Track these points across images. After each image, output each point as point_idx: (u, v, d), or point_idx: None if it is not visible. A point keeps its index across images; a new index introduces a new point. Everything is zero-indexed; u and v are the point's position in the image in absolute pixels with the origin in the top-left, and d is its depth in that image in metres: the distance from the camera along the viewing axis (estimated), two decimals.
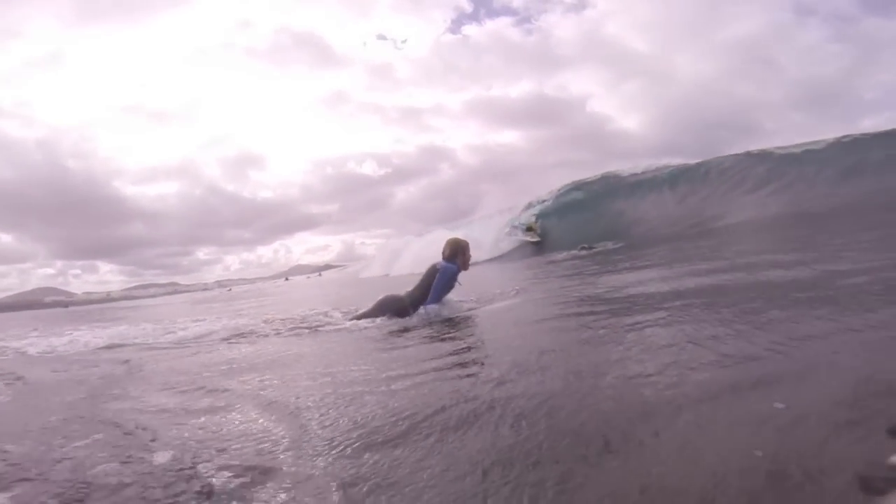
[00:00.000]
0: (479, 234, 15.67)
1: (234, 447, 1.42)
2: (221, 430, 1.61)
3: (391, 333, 3.43)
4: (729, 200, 15.07)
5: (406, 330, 3.49)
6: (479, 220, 21.85)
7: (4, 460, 1.40)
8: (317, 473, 1.19)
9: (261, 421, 1.67)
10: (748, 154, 17.07)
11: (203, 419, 1.75)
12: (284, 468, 1.24)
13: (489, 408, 1.48)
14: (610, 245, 13.71)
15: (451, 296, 4.29)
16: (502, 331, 3.27)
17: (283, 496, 1.09)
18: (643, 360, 1.80)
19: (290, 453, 1.34)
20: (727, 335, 1.98)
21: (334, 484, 1.12)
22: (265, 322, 5.02)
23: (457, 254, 4.32)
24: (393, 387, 1.91)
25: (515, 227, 19.42)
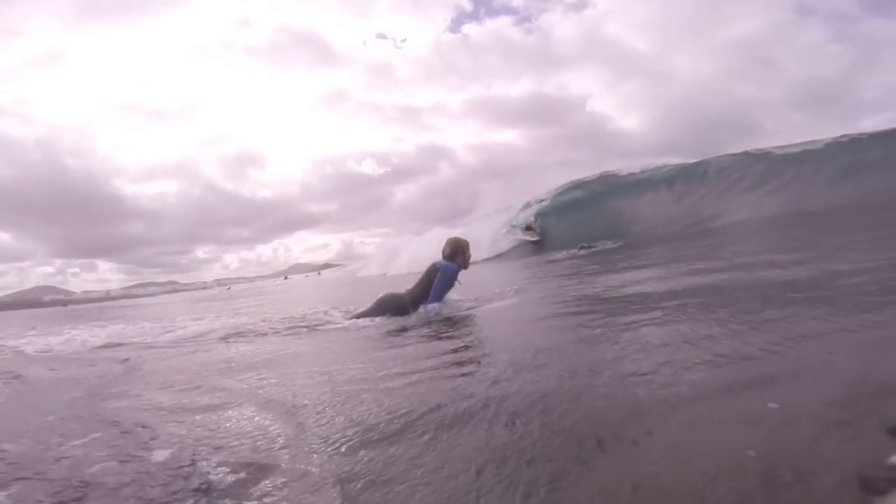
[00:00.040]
0: (478, 234, 15.67)
1: (232, 445, 1.43)
2: (220, 428, 1.62)
3: (389, 332, 3.45)
4: (727, 200, 15.09)
5: (404, 329, 3.50)
6: (478, 220, 21.85)
7: (2, 459, 1.40)
8: (313, 470, 1.20)
9: (259, 419, 1.69)
10: (746, 154, 17.10)
11: (202, 417, 1.76)
12: (283, 465, 1.25)
13: (484, 406, 1.49)
14: (609, 244, 13.73)
15: (451, 294, 4.31)
16: (500, 330, 3.29)
17: (280, 493, 1.11)
18: (638, 360, 1.80)
19: (287, 451, 1.35)
20: (722, 335, 1.99)
21: (330, 481, 1.13)
22: (264, 321, 5.04)
23: (457, 253, 4.33)
24: (389, 385, 1.93)
25: (514, 227, 19.42)
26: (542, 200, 20.55)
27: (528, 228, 18.95)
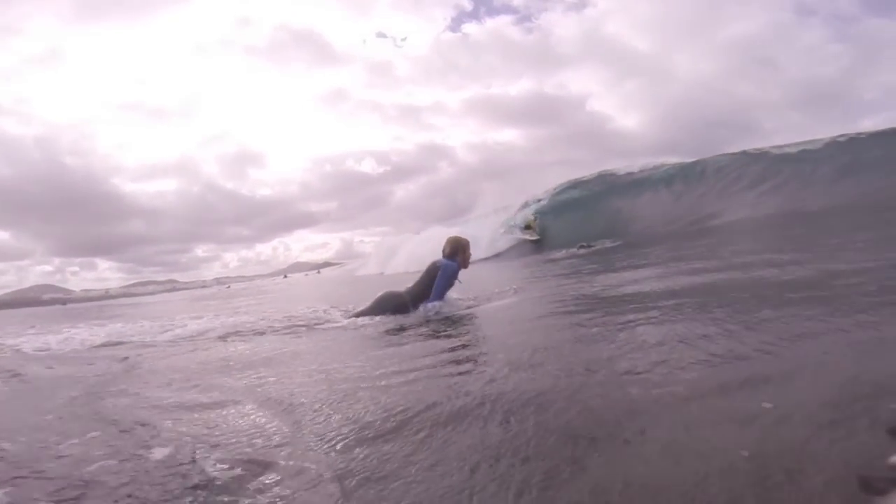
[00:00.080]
0: (476, 233, 15.67)
1: (230, 442, 1.44)
2: (218, 426, 1.63)
3: (388, 331, 3.46)
4: (726, 199, 15.09)
5: (402, 328, 3.51)
6: (476, 219, 21.83)
7: (1, 458, 1.41)
8: (310, 467, 1.21)
9: (257, 417, 1.70)
10: (744, 153, 17.09)
11: (201, 415, 1.77)
12: (281, 462, 1.26)
13: (480, 404, 1.50)
14: (608, 243, 13.73)
15: (452, 293, 4.32)
16: (498, 329, 3.30)
17: (278, 489, 1.12)
18: (633, 359, 1.82)
19: (284, 448, 1.37)
20: (717, 334, 2.00)
21: (326, 478, 1.14)
22: (263, 320, 5.05)
23: (457, 252, 4.35)
24: (386, 383, 1.94)
25: (512, 227, 19.39)
26: (539, 200, 20.52)
27: (528, 227, 18.93)
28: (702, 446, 1.07)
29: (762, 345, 1.77)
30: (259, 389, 2.09)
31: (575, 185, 20.70)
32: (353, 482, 1.11)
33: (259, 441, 1.44)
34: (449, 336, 2.98)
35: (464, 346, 2.59)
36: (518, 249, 17.96)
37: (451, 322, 3.53)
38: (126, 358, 3.33)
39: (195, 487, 1.15)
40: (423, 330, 3.31)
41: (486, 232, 18.72)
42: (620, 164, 20.47)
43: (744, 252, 5.79)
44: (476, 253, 4.61)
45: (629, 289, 3.93)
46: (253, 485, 1.15)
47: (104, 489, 1.18)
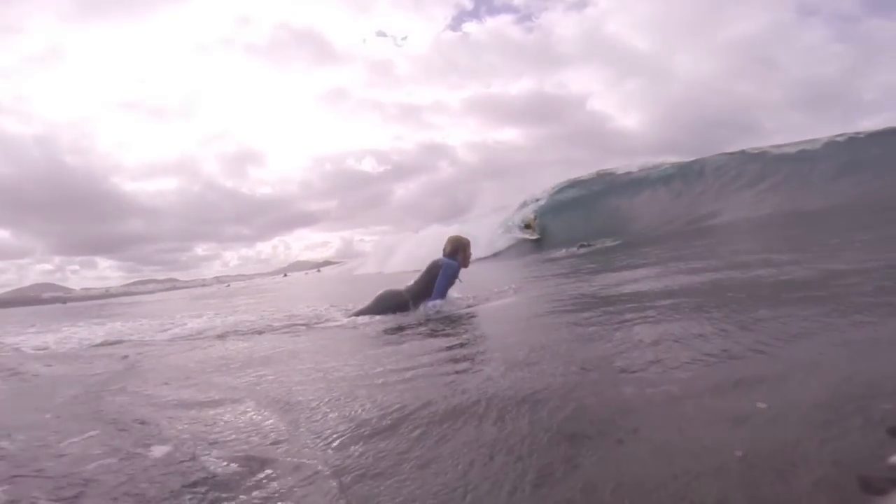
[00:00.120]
0: (475, 232, 15.66)
1: (229, 440, 1.45)
2: (217, 424, 1.64)
3: (386, 330, 3.47)
4: (724, 198, 15.09)
5: (401, 327, 3.52)
6: (475, 218, 21.81)
7: (0, 457, 1.42)
8: (307, 464, 1.23)
9: (255, 415, 1.71)
10: (743, 153, 17.09)
11: (200, 414, 1.78)
12: (279, 459, 1.28)
13: (475, 403, 1.51)
14: (608, 242, 13.75)
15: (452, 292, 4.35)
16: (496, 328, 3.32)
17: (275, 484, 1.14)
18: (628, 358, 1.83)
19: (282, 445, 1.38)
20: (713, 334, 2.00)
21: (323, 474, 1.16)
22: (262, 318, 5.06)
23: (457, 251, 4.37)
24: (384, 382, 1.96)
25: (511, 226, 19.36)
26: (538, 199, 20.49)
27: (527, 227, 18.91)
28: (694, 446, 1.07)
29: (757, 345, 1.78)
30: (258, 388, 2.11)
31: (573, 184, 20.68)
32: (349, 479, 1.13)
33: (257, 438, 1.45)
34: (447, 335, 2.99)
35: (461, 345, 2.60)
36: (518, 249, 17.96)
37: (450, 321, 3.54)
38: (126, 357, 3.34)
39: (195, 484, 1.16)
40: (422, 329, 3.33)
41: (484, 231, 18.72)
42: (620, 164, 20.47)
43: (742, 252, 5.80)
44: (475, 252, 4.62)
45: (627, 288, 3.94)
46: (251, 481, 1.16)
47: (104, 487, 1.18)
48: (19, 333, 5.98)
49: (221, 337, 4.07)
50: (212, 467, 1.25)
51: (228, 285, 45.77)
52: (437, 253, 4.49)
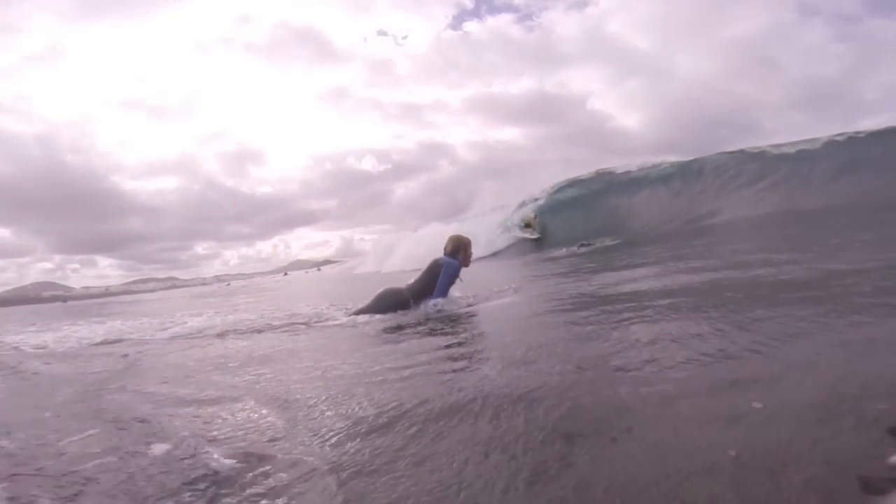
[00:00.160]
0: (475, 231, 15.62)
1: (228, 438, 1.47)
2: (217, 421, 1.66)
3: (386, 329, 3.48)
4: (723, 198, 15.06)
5: (401, 326, 3.54)
6: (474, 217, 21.78)
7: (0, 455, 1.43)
8: (304, 460, 1.24)
9: (254, 413, 1.72)
10: (742, 152, 17.05)
11: (199, 412, 1.80)
12: (278, 455, 1.29)
13: (471, 401, 1.52)
14: (608, 241, 13.75)
15: (454, 291, 4.36)
16: (495, 327, 3.33)
17: (272, 480, 1.16)
18: (624, 357, 1.83)
19: (280, 443, 1.39)
20: (710, 334, 2.01)
21: (320, 471, 1.17)
22: (262, 317, 5.07)
23: (458, 250, 4.38)
24: (381, 380, 1.97)
25: (510, 226, 19.32)
26: (536, 199, 20.45)
27: (528, 226, 18.88)
28: (688, 445, 1.08)
29: (754, 344, 1.78)
30: (257, 386, 2.12)
31: (573, 183, 20.65)
32: (346, 475, 1.14)
33: (255, 436, 1.47)
34: (446, 334, 3.00)
35: (460, 344, 2.61)
36: (518, 248, 17.96)
37: (450, 320, 3.55)
38: (126, 355, 3.35)
39: (194, 482, 1.17)
40: (421, 328, 3.34)
41: (484, 231, 18.70)
42: (619, 163, 20.43)
43: (741, 251, 5.79)
44: (474, 251, 4.63)
45: (626, 287, 3.94)
46: (250, 478, 1.18)
47: (103, 485, 1.19)
48: (19, 332, 6.00)
49: (221, 335, 4.08)
50: (211, 465, 1.26)
51: (229, 284, 45.79)
52: (436, 252, 4.50)
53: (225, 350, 3.29)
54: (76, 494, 1.15)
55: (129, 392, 2.22)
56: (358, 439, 1.35)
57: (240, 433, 1.50)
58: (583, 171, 21.05)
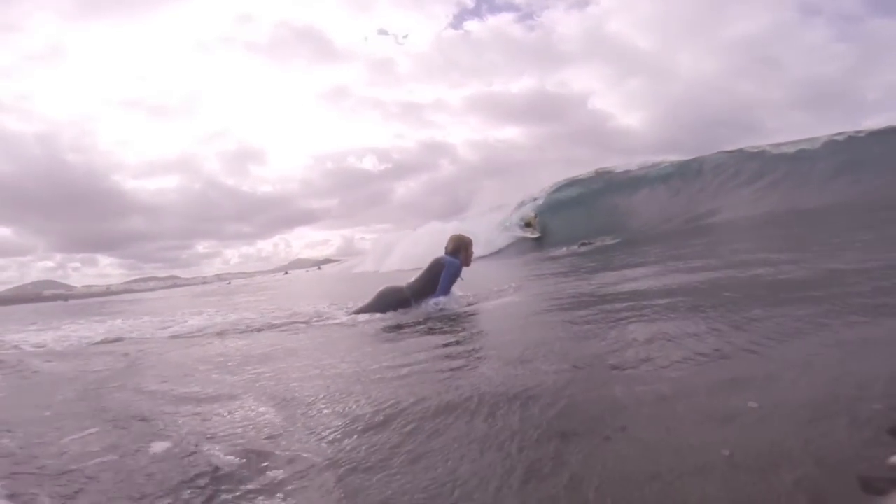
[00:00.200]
0: (475, 230, 15.57)
1: (227, 435, 1.48)
2: (216, 419, 1.67)
3: (385, 328, 3.49)
4: (723, 197, 15.05)
5: (400, 325, 3.55)
6: (473, 217, 21.75)
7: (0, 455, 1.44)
8: (302, 457, 1.26)
9: (253, 411, 1.73)
10: (742, 151, 17.03)
11: (199, 410, 1.81)
12: (276, 453, 1.31)
13: (467, 399, 1.53)
14: (608, 241, 13.75)
15: (455, 290, 4.37)
16: (494, 326, 3.34)
17: (271, 477, 1.17)
18: (621, 357, 1.84)
19: (278, 440, 1.41)
20: (707, 333, 2.01)
21: (317, 467, 1.19)
22: (262, 316, 5.09)
23: (459, 249, 4.39)
24: (379, 378, 1.98)
25: (510, 226, 19.28)
26: (536, 199, 20.42)
27: (528, 225, 18.86)
28: (681, 445, 1.08)
29: (750, 344, 1.78)
30: (256, 384, 2.13)
31: (573, 182, 20.62)
32: (342, 471, 1.16)
33: (254, 433, 1.48)
34: (445, 333, 3.01)
35: (458, 343, 2.62)
36: (518, 247, 17.95)
37: (449, 319, 3.56)
38: (126, 354, 3.37)
39: (194, 479, 1.18)
40: (420, 327, 3.35)
41: (483, 230, 18.69)
42: (618, 162, 20.40)
43: (740, 250, 5.79)
44: (474, 250, 4.65)
45: (625, 287, 3.95)
46: (249, 474, 1.19)
47: (103, 483, 1.20)
48: (20, 331, 6.02)
49: (221, 334, 4.10)
50: (211, 462, 1.27)
51: (229, 283, 45.84)
52: (435, 251, 4.51)
53: (225, 349, 3.30)
54: (76, 492, 1.16)
55: (129, 390, 2.23)
56: (355, 436, 1.37)
57: (239, 431, 1.51)
58: (583, 170, 21.03)
